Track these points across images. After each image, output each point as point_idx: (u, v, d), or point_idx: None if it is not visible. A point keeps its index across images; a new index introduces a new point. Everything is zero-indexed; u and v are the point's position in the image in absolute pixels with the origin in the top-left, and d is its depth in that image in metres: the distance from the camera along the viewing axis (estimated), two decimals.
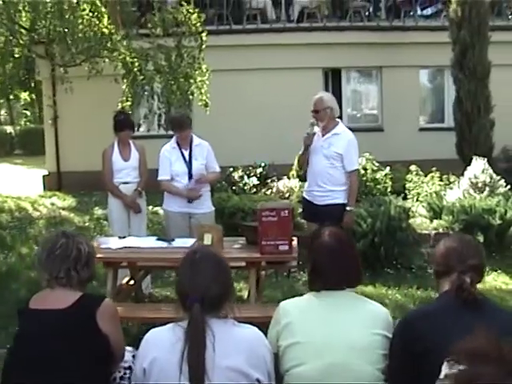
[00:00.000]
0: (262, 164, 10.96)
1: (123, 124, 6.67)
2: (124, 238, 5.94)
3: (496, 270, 7.40)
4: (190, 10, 10.10)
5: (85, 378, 2.73)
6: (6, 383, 2.81)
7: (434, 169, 10.26)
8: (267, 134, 13.62)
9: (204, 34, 10.21)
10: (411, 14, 14.99)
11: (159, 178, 6.24)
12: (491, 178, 8.80)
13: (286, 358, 2.71)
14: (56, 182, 14.12)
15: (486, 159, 9.09)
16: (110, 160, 6.66)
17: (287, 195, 8.89)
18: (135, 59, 10.39)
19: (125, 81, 11.19)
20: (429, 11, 15.51)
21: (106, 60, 10.64)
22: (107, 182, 6.71)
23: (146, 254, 5.57)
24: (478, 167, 8.92)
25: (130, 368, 3.09)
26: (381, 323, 2.76)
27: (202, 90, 10.51)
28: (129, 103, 11.17)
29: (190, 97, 10.51)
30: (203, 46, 10.23)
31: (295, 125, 13.34)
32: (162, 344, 2.49)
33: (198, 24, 10.15)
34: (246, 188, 9.44)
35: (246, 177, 9.92)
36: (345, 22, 14.53)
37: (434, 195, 8.69)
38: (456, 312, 2.60)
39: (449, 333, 2.52)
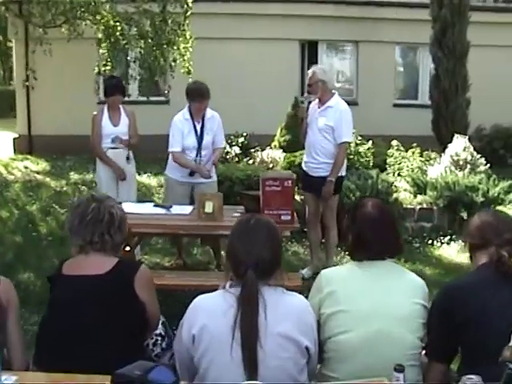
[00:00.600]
0: (244, 134, 10.95)
1: (114, 88, 6.60)
2: (120, 203, 5.89)
3: None
4: None
5: (119, 344, 2.73)
6: (40, 351, 2.80)
7: (414, 145, 10.40)
8: (246, 104, 13.59)
9: (190, 1, 10.06)
10: None
11: (170, 149, 6.13)
12: (472, 156, 8.96)
13: (329, 325, 2.77)
14: (27, 146, 13.88)
15: (467, 137, 9.23)
16: (100, 125, 6.57)
17: (271, 165, 8.92)
18: (117, 23, 10.18)
19: (103, 44, 10.96)
20: None
21: (88, 22, 10.37)
22: (96, 147, 6.63)
23: (146, 221, 5.54)
24: (460, 145, 9.08)
25: (161, 335, 3.10)
26: (420, 293, 2.84)
27: (185, 57, 10.38)
28: (108, 67, 10.96)
29: (173, 63, 10.36)
30: (189, 13, 10.08)
31: (273, 95, 13.58)
32: (214, 311, 2.51)
33: None
34: (228, 157, 9.42)
35: (227, 146, 9.88)
36: None
37: (418, 171, 8.83)
38: (495, 285, 2.69)
39: (488, 305, 2.62)
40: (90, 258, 2.90)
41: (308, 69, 14.47)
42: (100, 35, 11.09)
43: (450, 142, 11.22)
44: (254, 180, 7.68)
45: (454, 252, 7.27)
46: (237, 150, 9.91)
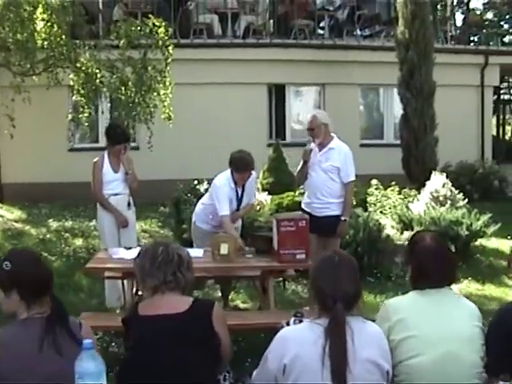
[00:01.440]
0: None
1: (122, 137, 6.78)
2: (130, 248, 6.02)
3: (467, 278, 7.96)
4: (157, 23, 10.21)
5: (199, 381, 2.91)
6: None
7: (393, 183, 10.81)
8: (216, 147, 13.83)
9: (170, 48, 10.35)
10: (353, 33, 15.63)
11: (221, 213, 6.18)
12: (451, 191, 9.40)
13: (400, 350, 2.98)
14: None
15: (444, 174, 9.68)
16: (101, 171, 6.71)
17: (258, 208, 9.10)
18: (98, 70, 10.38)
19: (81, 92, 11.09)
20: (366, 31, 16.26)
21: (67, 70, 10.54)
22: (97, 194, 6.74)
23: None
24: (438, 182, 9.50)
25: (227, 370, 3.27)
26: (477, 316, 3.12)
27: (165, 103, 10.62)
28: (86, 114, 11.10)
29: (152, 109, 10.58)
30: (169, 60, 10.36)
31: (243, 138, 13.88)
32: (304, 341, 2.71)
33: (165, 37, 10.27)
34: None
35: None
36: (290, 39, 14.97)
37: (404, 208, 9.21)
38: None
39: None
40: (165, 297, 3.06)
41: (275, 111, 15.06)
42: (74, 83, 11.19)
43: (421, 179, 11.79)
44: (247, 221, 7.89)
45: None
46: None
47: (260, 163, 10.20)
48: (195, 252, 5.85)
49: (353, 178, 6.44)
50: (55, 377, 2.59)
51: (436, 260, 3.12)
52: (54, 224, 11.15)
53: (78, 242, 9.88)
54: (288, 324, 3.12)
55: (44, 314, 2.74)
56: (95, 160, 6.81)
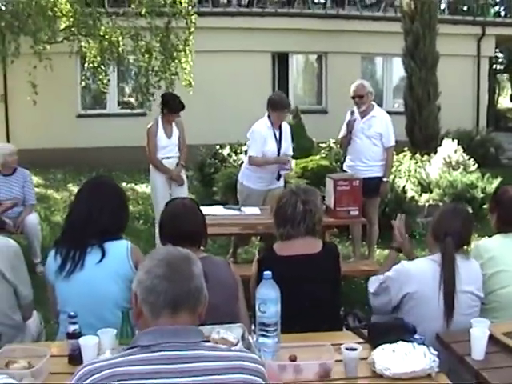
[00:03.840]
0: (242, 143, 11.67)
1: (177, 107, 7.15)
2: None
3: (483, 236, 8.63)
4: None
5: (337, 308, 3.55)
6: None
7: (405, 148, 11.44)
8: (225, 114, 14.33)
9: (193, 17, 10.77)
10: (353, 3, 16.12)
11: (251, 153, 6.72)
12: (463, 157, 10.05)
13: (492, 282, 3.57)
14: None
15: (456, 140, 10.34)
16: (155, 137, 7.17)
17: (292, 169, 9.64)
18: (119, 38, 10.77)
19: (96, 59, 11.45)
20: (367, 1, 16.77)
21: (88, 39, 10.91)
22: (153, 158, 7.23)
23: (227, 220, 6.18)
24: (451, 147, 10.15)
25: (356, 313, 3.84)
26: None
27: (186, 71, 11.06)
28: (105, 81, 11.49)
29: (173, 77, 11.01)
30: (192, 29, 10.79)
31: (249, 104, 14.36)
32: (424, 275, 3.30)
33: (189, 6, 10.69)
34: (236, 165, 10.11)
35: (233, 154, 10.62)
36: (294, 8, 15.42)
37: (421, 172, 9.85)
38: None
39: None
40: (300, 240, 3.56)
41: (279, 79, 15.52)
42: (89, 50, 11.52)
43: (423, 145, 12.46)
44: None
45: None
46: (243, 157, 10.62)
47: None
48: (252, 210, 6.45)
49: (393, 142, 6.98)
50: None
51: None
52: (74, 188, 11.56)
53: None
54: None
55: None
56: (149, 126, 7.23)
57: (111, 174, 11.71)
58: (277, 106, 6.68)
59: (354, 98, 6.89)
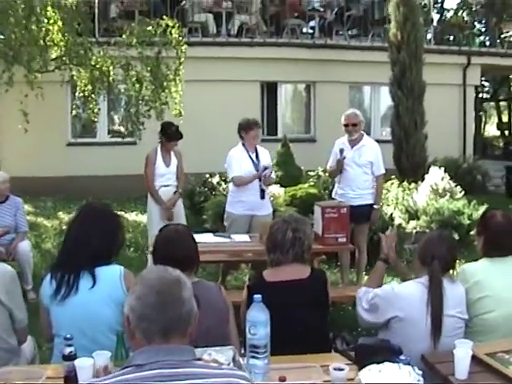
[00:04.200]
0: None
1: (175, 136, 7.41)
2: None
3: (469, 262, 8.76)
4: (170, 24, 10.82)
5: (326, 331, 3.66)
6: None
7: (392, 176, 11.61)
8: (213, 143, 14.44)
9: (184, 47, 10.97)
10: (341, 33, 16.40)
11: (232, 175, 6.96)
12: (450, 184, 10.22)
13: (477, 306, 3.67)
14: None
15: (444, 168, 10.53)
16: (154, 164, 7.39)
17: (271, 199, 9.73)
18: (110, 67, 10.93)
19: (88, 88, 11.60)
20: (354, 31, 17.07)
21: (79, 68, 11.06)
22: (150, 186, 7.41)
23: (217, 248, 6.29)
24: (437, 175, 10.33)
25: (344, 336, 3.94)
26: None
27: (176, 100, 11.23)
28: (96, 110, 11.63)
29: (163, 106, 11.17)
30: (182, 59, 10.98)
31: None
32: (413, 298, 3.42)
33: (179, 37, 10.90)
34: (225, 193, 10.21)
35: (223, 183, 10.73)
36: (283, 38, 15.69)
37: (408, 199, 10.00)
38: None
39: None
40: (289, 266, 3.69)
41: (267, 108, 15.69)
42: (80, 79, 11.66)
43: (411, 174, 12.64)
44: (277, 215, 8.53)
45: None
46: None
47: None
48: (242, 237, 6.56)
49: (383, 171, 7.18)
50: None
51: (507, 233, 3.85)
52: (64, 216, 11.65)
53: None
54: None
55: None
56: (148, 154, 7.46)
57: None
58: (247, 126, 6.93)
59: (346, 125, 7.07)
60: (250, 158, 6.99)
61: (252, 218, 6.98)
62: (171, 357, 1.96)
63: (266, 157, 7.16)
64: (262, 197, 6.99)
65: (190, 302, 2.06)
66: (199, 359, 2.25)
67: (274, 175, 7.30)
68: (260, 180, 6.92)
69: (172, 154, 7.47)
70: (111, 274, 3.35)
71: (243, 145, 7.02)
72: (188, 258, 3.38)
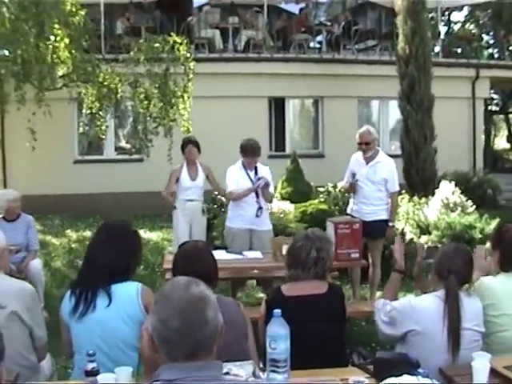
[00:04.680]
0: None
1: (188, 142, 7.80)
2: None
3: None
4: (178, 40, 10.97)
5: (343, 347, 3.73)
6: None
7: (403, 191, 11.65)
8: (221, 159, 14.55)
9: (192, 64, 11.11)
10: (348, 47, 16.56)
11: (228, 189, 7.10)
12: (460, 198, 10.28)
13: (494, 324, 3.73)
14: None
15: (454, 182, 10.59)
16: (175, 177, 7.73)
17: (282, 215, 9.81)
18: (119, 84, 11.07)
19: (95, 105, 11.74)
20: (361, 45, 17.22)
21: (87, 85, 11.21)
22: (164, 192, 7.75)
23: (230, 264, 6.36)
24: (448, 189, 10.40)
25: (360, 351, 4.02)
26: None
27: (184, 117, 11.36)
28: (103, 127, 11.76)
29: (171, 123, 11.30)
30: (191, 76, 11.12)
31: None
32: (431, 312, 3.50)
33: (187, 53, 11.05)
34: None
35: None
36: (290, 53, 15.84)
37: (419, 214, 10.06)
38: None
39: None
40: (308, 281, 3.79)
41: (275, 123, 15.79)
42: (87, 96, 11.82)
43: (421, 188, 12.68)
44: (279, 228, 8.62)
45: None
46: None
47: None
48: (254, 254, 6.65)
49: (398, 188, 7.30)
50: None
51: None
52: (73, 234, 11.76)
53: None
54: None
55: None
56: (174, 168, 7.85)
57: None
58: (246, 152, 7.05)
59: (360, 144, 7.14)
60: (248, 175, 7.09)
61: (251, 232, 7.10)
62: (200, 372, 2.00)
63: (266, 173, 7.23)
64: (257, 215, 7.07)
65: (215, 320, 2.05)
66: (227, 373, 2.31)
67: (272, 189, 7.35)
68: (257, 196, 7.06)
69: (199, 168, 7.75)
70: (128, 291, 3.43)
71: (242, 162, 7.13)
72: (207, 275, 3.45)
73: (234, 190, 7.07)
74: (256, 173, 7.12)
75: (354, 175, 7.18)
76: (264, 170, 7.23)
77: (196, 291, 2.08)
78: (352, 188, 7.25)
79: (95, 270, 3.44)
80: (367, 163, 7.13)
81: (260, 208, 7.08)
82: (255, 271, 6.86)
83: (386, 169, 7.13)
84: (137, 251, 3.66)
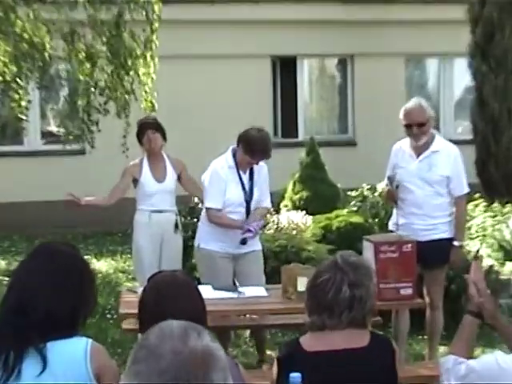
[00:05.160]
0: None
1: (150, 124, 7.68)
2: None
3: None
4: None
5: None
6: None
7: (476, 195, 11.59)
8: (208, 141, 14.48)
9: (157, 6, 10.84)
10: None
11: (208, 204, 6.92)
12: None
13: None
14: None
15: None
16: (130, 178, 7.68)
17: (294, 233, 9.72)
18: (45, 37, 10.87)
19: (12, 68, 11.61)
20: None
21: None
22: (108, 198, 7.69)
23: (221, 307, 6.28)
24: None
25: None
26: None
27: (147, 87, 11.14)
28: (24, 104, 11.54)
29: (127, 96, 11.08)
30: (156, 24, 10.86)
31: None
32: None
33: None
34: None
35: None
36: None
37: (504, 229, 10.03)
38: None
39: None
40: (340, 332, 3.68)
41: (281, 95, 15.75)
42: (1, 57, 11.70)
43: (504, 190, 12.63)
44: (291, 252, 8.58)
45: None
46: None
47: None
48: (257, 291, 6.58)
49: (467, 189, 7.10)
50: None
51: None
52: None
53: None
54: None
55: None
56: (130, 164, 7.78)
57: (33, 242, 11.82)
58: (254, 152, 6.85)
59: (408, 126, 6.91)
60: (241, 179, 6.96)
61: (234, 257, 7.07)
62: None
63: (265, 180, 7.18)
64: (243, 243, 6.97)
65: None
66: None
67: (268, 202, 7.38)
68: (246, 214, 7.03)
69: (168, 163, 7.66)
70: (71, 352, 3.31)
71: (234, 156, 6.97)
72: (194, 321, 3.39)
73: (215, 211, 6.93)
74: (251, 175, 7.03)
75: (394, 176, 7.01)
76: (261, 171, 7.13)
77: (199, 345, 1.93)
78: (391, 196, 7.14)
79: (22, 320, 3.34)
80: (418, 155, 6.97)
81: (244, 239, 6.96)
82: (254, 316, 6.79)
83: (448, 161, 6.97)
84: (88, 289, 3.57)
